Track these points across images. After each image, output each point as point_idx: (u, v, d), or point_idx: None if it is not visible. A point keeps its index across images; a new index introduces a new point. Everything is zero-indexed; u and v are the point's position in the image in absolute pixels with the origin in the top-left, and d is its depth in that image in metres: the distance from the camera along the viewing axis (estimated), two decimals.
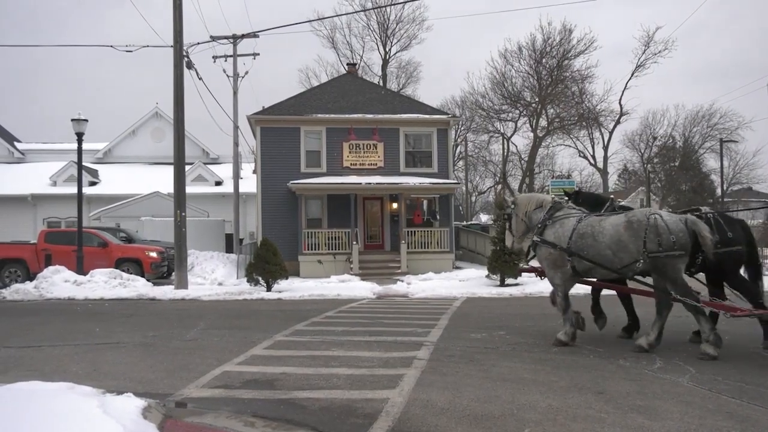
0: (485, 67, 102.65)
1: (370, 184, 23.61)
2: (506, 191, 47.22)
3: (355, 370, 6.92)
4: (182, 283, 17.12)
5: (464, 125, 48.89)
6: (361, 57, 49.44)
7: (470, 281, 18.90)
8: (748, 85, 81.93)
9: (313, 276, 21.39)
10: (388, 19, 48.05)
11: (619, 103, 44.51)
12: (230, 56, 27.05)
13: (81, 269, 17.94)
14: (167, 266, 20.94)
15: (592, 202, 9.57)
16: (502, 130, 47.40)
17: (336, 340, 8.84)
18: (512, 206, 9.37)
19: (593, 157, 47.63)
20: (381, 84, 44.47)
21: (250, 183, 30.90)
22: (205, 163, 36.35)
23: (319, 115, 25.08)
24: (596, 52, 72.50)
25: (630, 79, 44.17)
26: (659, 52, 43.07)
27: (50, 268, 17.53)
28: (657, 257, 7.59)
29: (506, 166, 47.95)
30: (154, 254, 20.23)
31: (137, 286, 17.02)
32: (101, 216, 29.63)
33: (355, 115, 25.24)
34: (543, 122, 44.27)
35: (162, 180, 30.30)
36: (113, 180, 34.71)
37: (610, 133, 45.84)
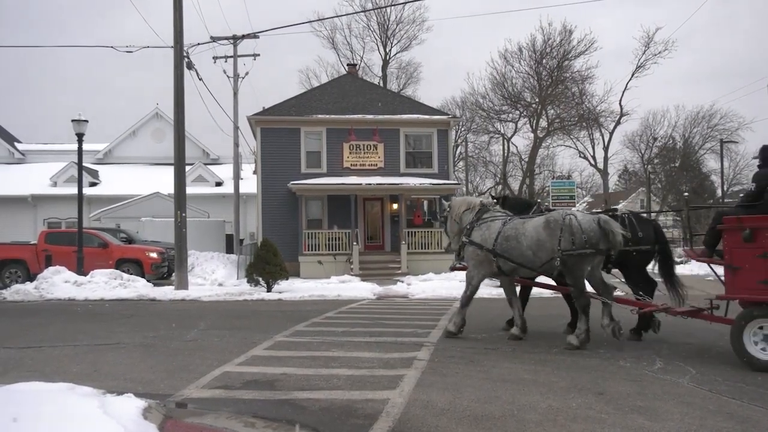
0: (485, 68, 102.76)
1: (370, 184, 23.61)
2: (505, 192, 47.27)
3: (356, 370, 6.92)
4: (182, 284, 17.12)
5: (464, 126, 48.89)
6: (362, 58, 49.50)
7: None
8: (749, 85, 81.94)
9: (314, 277, 21.40)
10: (389, 20, 48.10)
11: (620, 103, 44.52)
12: (230, 57, 27.06)
13: (81, 270, 17.94)
14: (167, 267, 20.94)
15: (519, 206, 10.01)
16: (502, 131, 47.41)
17: (336, 341, 8.84)
18: (448, 209, 9.86)
19: (593, 157, 47.63)
20: (381, 85, 44.48)
21: (250, 183, 30.91)
22: (205, 164, 36.36)
23: (320, 116, 25.08)
24: (596, 53, 72.59)
25: (630, 79, 44.18)
26: (659, 52, 43.06)
27: (50, 268, 17.53)
28: (570, 255, 8.07)
29: (506, 166, 47.93)
30: (154, 255, 20.23)
31: (137, 287, 17.02)
32: (101, 217, 29.63)
33: (356, 116, 25.25)
34: (543, 123, 44.27)
35: (162, 181, 30.29)
36: (114, 181, 34.72)
37: (611, 134, 45.84)
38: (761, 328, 6.72)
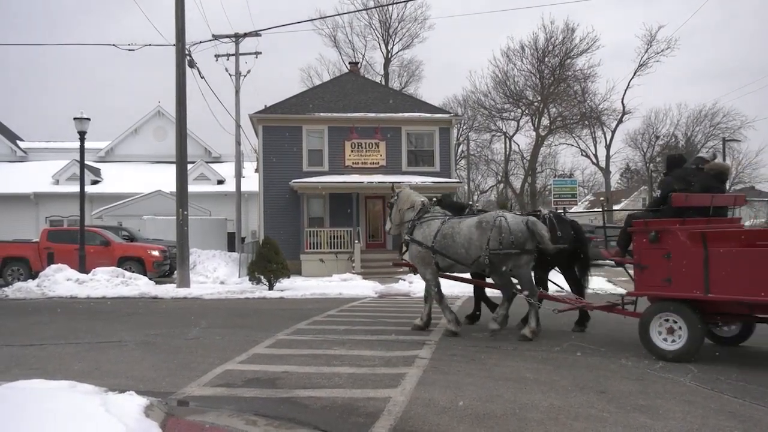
0: (487, 66, 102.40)
1: (372, 183, 23.60)
2: (507, 190, 47.24)
3: (357, 368, 6.92)
4: (184, 282, 17.13)
5: (466, 124, 48.89)
6: (363, 56, 49.51)
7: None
8: (752, 84, 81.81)
9: (315, 275, 21.40)
10: (390, 18, 48.13)
11: (622, 102, 44.51)
12: (232, 55, 27.06)
13: (83, 268, 17.96)
14: (169, 265, 20.95)
15: (454, 207, 10.50)
16: (504, 129, 47.43)
17: (338, 339, 8.84)
18: (396, 197, 10.23)
19: (595, 156, 47.61)
20: (383, 83, 44.46)
21: (252, 182, 30.91)
22: (207, 162, 36.36)
23: (321, 114, 25.07)
24: (599, 52, 72.49)
25: (633, 78, 44.20)
26: (662, 51, 43.06)
27: (52, 266, 17.55)
28: (496, 253, 8.60)
29: (508, 165, 47.92)
30: (156, 253, 20.24)
31: (139, 285, 17.03)
32: (103, 215, 29.65)
33: (357, 114, 25.23)
34: (545, 121, 44.27)
35: (164, 179, 30.32)
36: (115, 179, 34.73)
37: (613, 132, 45.82)
38: (666, 320, 7.26)
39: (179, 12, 17.50)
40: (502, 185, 48.59)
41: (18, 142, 40.45)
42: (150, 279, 18.36)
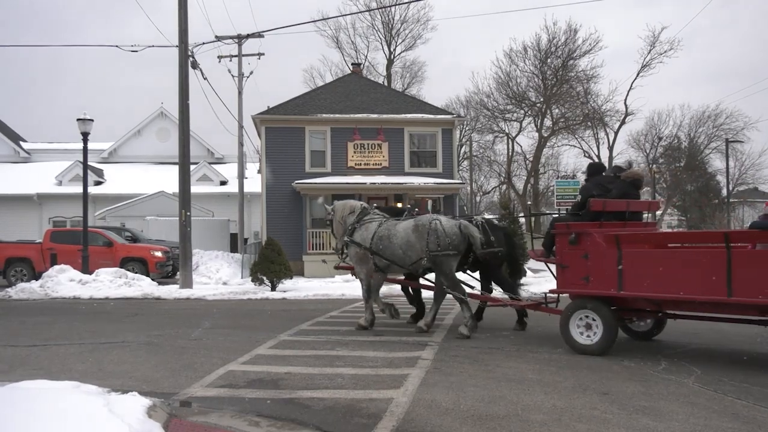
0: (490, 67, 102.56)
1: (374, 184, 23.59)
2: (510, 191, 47.18)
3: (360, 369, 6.92)
4: (187, 283, 17.16)
5: (469, 125, 48.84)
6: (366, 57, 49.48)
7: (475, 282, 18.82)
8: (755, 85, 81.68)
9: (318, 276, 21.39)
10: (393, 19, 48.09)
11: (625, 103, 44.35)
12: (235, 56, 27.10)
13: (86, 268, 17.99)
14: (172, 266, 20.97)
15: (393, 211, 10.97)
16: (506, 130, 47.33)
17: (340, 340, 8.85)
18: (332, 213, 10.70)
19: (598, 157, 47.43)
20: (385, 84, 44.46)
21: (254, 183, 30.95)
22: (209, 163, 36.40)
23: (324, 115, 25.07)
24: (601, 53, 72.47)
25: (635, 78, 44.02)
26: (665, 51, 42.88)
27: (55, 267, 17.58)
28: (436, 255, 9.08)
29: (511, 166, 47.84)
30: (159, 254, 20.27)
31: (142, 286, 17.05)
32: (106, 215, 29.70)
33: (360, 115, 25.23)
34: (548, 122, 44.19)
35: (167, 180, 30.37)
36: (118, 180, 34.79)
37: (616, 133, 45.69)
38: (587, 316, 7.75)
39: (182, 13, 17.54)
40: (504, 186, 48.53)
41: (21, 143, 40.53)
42: (153, 280, 18.39)
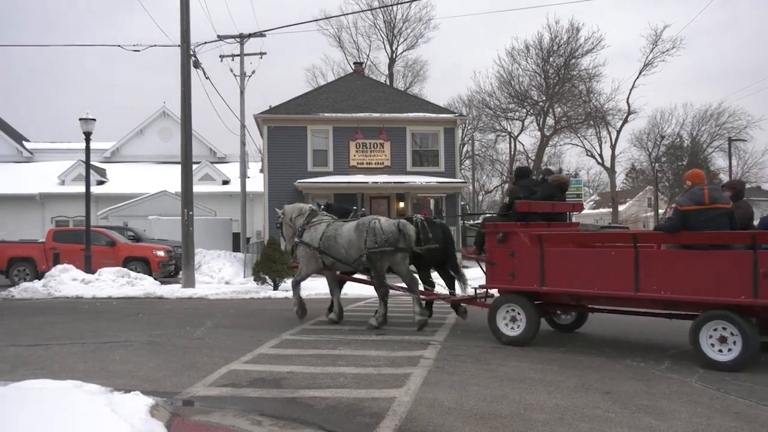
0: (492, 66, 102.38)
1: (376, 183, 23.59)
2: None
3: (362, 369, 6.92)
4: (189, 282, 17.16)
5: (471, 124, 48.82)
6: (368, 56, 49.49)
7: (477, 281, 18.79)
8: (758, 83, 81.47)
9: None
10: (395, 18, 48.08)
11: (627, 101, 44.28)
12: (237, 55, 27.09)
13: (89, 268, 18.00)
14: (174, 265, 20.96)
15: (340, 211, 11.51)
16: (509, 129, 47.33)
17: (343, 339, 8.85)
18: (282, 215, 11.22)
19: (600, 156, 47.43)
20: (388, 83, 44.45)
21: (257, 182, 30.91)
22: (212, 162, 36.40)
23: (326, 114, 25.08)
24: (604, 51, 72.44)
25: (638, 77, 43.96)
26: (667, 50, 42.82)
27: (58, 266, 17.58)
28: (373, 252, 9.64)
29: (513, 165, 47.78)
30: (161, 253, 20.27)
31: (145, 285, 17.06)
32: (109, 215, 29.72)
33: (362, 114, 25.24)
34: (550, 121, 44.13)
35: (169, 179, 30.36)
36: (121, 179, 34.81)
37: (618, 132, 45.63)
38: (513, 309, 8.33)
39: (184, 13, 17.54)
40: (506, 186, 48.46)
41: (24, 142, 40.57)
42: (155, 279, 18.39)
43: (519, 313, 8.29)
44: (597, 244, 8.39)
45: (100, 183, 33.99)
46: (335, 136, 25.13)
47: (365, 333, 9.44)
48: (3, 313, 12.70)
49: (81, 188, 23.75)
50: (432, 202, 26.16)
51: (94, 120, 19.00)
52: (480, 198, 58.43)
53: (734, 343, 6.68)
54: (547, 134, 43.89)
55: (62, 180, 34.07)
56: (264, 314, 12.20)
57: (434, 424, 4.97)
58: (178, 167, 18.14)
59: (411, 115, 25.60)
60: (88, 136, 18.99)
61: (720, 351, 6.80)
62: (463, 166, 45.12)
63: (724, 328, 6.75)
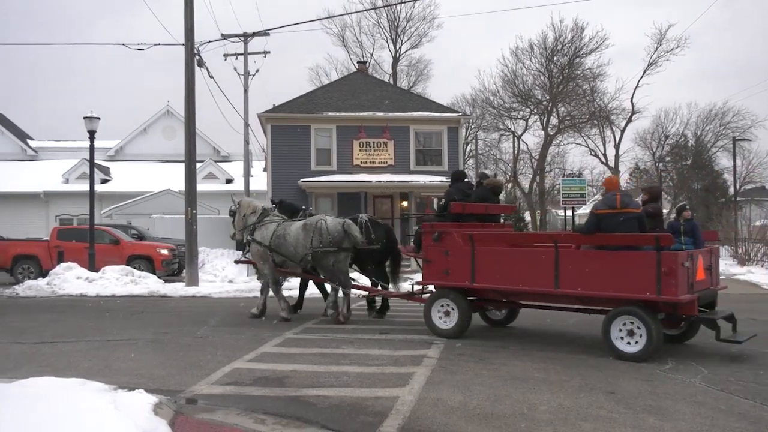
0: (496, 65, 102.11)
1: (380, 182, 23.59)
2: (516, 189, 47.10)
3: (365, 368, 6.93)
4: (193, 281, 17.18)
5: (475, 123, 48.70)
6: (372, 55, 49.41)
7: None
8: (762, 83, 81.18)
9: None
10: (399, 17, 48.01)
11: (631, 101, 44.14)
12: (241, 54, 27.08)
13: (93, 266, 18.03)
14: (178, 263, 20.99)
15: (291, 210, 11.80)
16: (512, 129, 47.20)
17: (346, 338, 8.86)
18: (237, 206, 11.53)
19: (604, 155, 47.30)
20: (391, 82, 44.42)
21: (260, 181, 30.96)
22: (215, 161, 36.44)
23: (330, 113, 25.09)
24: (608, 51, 72.16)
25: (642, 77, 43.79)
26: (672, 49, 42.64)
27: (62, 264, 17.62)
28: (317, 251, 10.20)
29: (517, 164, 47.72)
30: (165, 251, 20.30)
31: (148, 283, 17.08)
32: (113, 213, 29.78)
33: (366, 113, 25.24)
34: (554, 120, 44.03)
35: (173, 177, 30.41)
36: (125, 177, 34.89)
37: (622, 132, 45.50)
38: (447, 304, 8.79)
39: (188, 12, 17.55)
40: (510, 185, 48.37)
41: (28, 141, 40.67)
42: (159, 277, 18.40)
43: (452, 309, 8.73)
44: (523, 245, 9.19)
45: (104, 181, 34.07)
46: (339, 135, 25.14)
47: (368, 332, 9.44)
48: (7, 310, 12.75)
49: (85, 186, 23.82)
50: (435, 201, 26.14)
51: (99, 118, 19.03)
52: None
53: (640, 336, 7.24)
54: (551, 134, 43.81)
55: (66, 178, 34.15)
56: (267, 313, 12.20)
57: (438, 423, 4.97)
58: (182, 166, 18.17)
59: (414, 114, 25.59)
60: (92, 134, 19.02)
61: (628, 343, 7.37)
62: (466, 166, 45.03)
63: (632, 323, 7.33)
